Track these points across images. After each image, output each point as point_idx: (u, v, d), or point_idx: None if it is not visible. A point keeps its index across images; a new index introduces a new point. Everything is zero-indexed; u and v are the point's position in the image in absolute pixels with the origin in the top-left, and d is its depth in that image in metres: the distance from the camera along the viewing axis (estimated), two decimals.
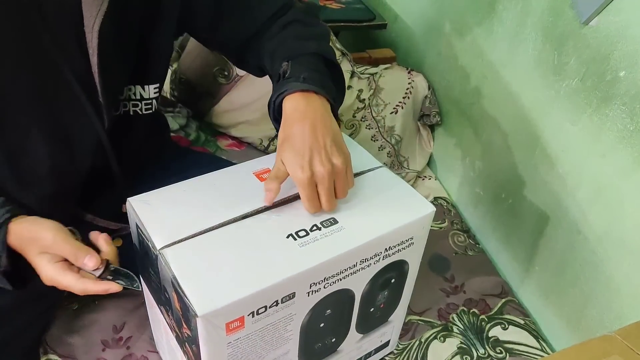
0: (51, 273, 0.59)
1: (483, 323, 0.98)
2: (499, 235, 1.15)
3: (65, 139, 0.70)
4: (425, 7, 1.36)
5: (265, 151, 1.28)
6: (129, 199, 0.65)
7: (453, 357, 0.91)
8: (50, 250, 0.60)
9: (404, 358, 0.90)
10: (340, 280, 0.65)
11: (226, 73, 1.24)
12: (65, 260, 0.61)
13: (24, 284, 0.66)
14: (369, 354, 0.85)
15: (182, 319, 0.58)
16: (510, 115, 1.07)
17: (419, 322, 0.96)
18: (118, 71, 0.70)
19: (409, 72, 1.33)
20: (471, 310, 1.00)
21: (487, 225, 1.18)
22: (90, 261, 0.59)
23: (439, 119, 1.33)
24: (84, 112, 0.68)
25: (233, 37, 0.80)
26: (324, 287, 0.63)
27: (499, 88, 1.10)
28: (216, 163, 1.07)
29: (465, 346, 0.93)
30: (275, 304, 0.59)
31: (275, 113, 0.70)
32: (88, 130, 0.71)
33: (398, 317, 0.83)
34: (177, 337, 0.66)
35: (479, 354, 0.92)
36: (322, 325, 0.69)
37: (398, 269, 0.73)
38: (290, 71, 0.69)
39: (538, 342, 0.95)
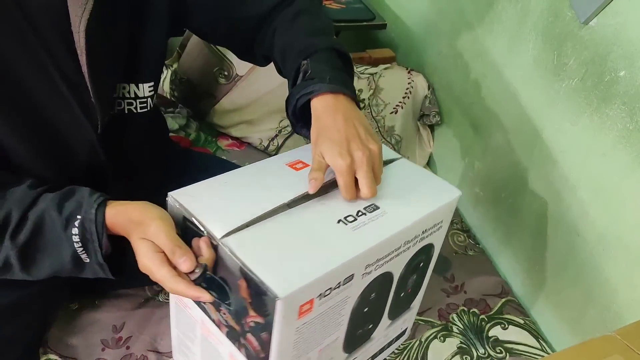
0: (148, 262, 0.59)
1: (483, 323, 0.98)
2: (499, 235, 1.15)
3: (58, 142, 0.70)
4: (425, 7, 1.37)
5: (265, 151, 1.28)
6: (170, 193, 0.64)
7: (453, 357, 0.91)
8: (152, 239, 0.59)
9: (404, 358, 0.90)
10: (387, 262, 0.68)
11: (226, 73, 1.24)
12: None
13: (121, 272, 0.67)
14: (391, 342, 0.87)
15: (251, 306, 0.58)
16: (510, 115, 1.07)
17: (419, 321, 0.96)
18: (109, 70, 0.70)
19: (408, 72, 1.33)
20: (471, 310, 1.00)
21: (487, 225, 1.18)
22: (185, 263, 0.57)
23: (438, 119, 1.33)
24: (75, 113, 0.68)
25: (237, 28, 0.80)
26: (374, 269, 0.66)
27: (498, 88, 1.10)
28: (217, 164, 1.08)
29: (465, 346, 0.93)
30: (338, 285, 0.61)
31: (296, 110, 0.71)
32: (81, 132, 0.70)
33: (417, 303, 0.87)
34: (231, 332, 0.65)
35: (479, 354, 0.92)
36: (366, 310, 0.71)
37: (427, 252, 0.77)
38: (312, 70, 0.71)
39: (538, 341, 0.95)
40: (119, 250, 0.66)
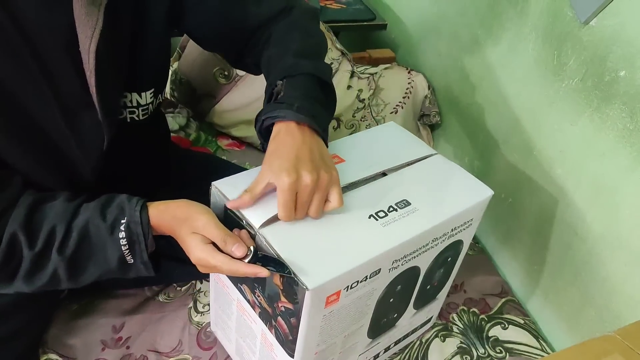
0: (202, 253, 0.62)
1: (483, 322, 0.98)
2: (498, 234, 1.15)
3: (66, 160, 0.70)
4: (425, 7, 1.37)
5: (265, 151, 1.28)
6: (214, 183, 0.68)
7: (453, 356, 0.91)
8: (201, 232, 0.62)
9: (404, 357, 0.90)
10: (415, 257, 0.70)
11: (226, 73, 1.24)
12: (213, 243, 0.63)
13: (159, 268, 0.70)
14: (416, 329, 0.90)
15: (282, 293, 0.62)
16: (510, 115, 1.07)
17: None
18: (114, 85, 0.70)
19: (408, 72, 1.33)
20: (471, 310, 1.00)
21: (486, 224, 1.18)
22: (238, 249, 0.61)
23: (438, 119, 1.33)
24: (82, 132, 0.68)
25: (232, 36, 0.80)
26: (402, 265, 0.69)
27: (498, 88, 1.10)
28: (217, 164, 1.08)
29: (465, 346, 0.93)
30: (364, 279, 0.64)
31: (262, 129, 0.70)
32: (88, 148, 0.70)
33: (443, 294, 0.89)
34: (263, 314, 0.69)
35: (479, 354, 0.92)
36: (391, 300, 0.74)
37: (455, 248, 0.79)
38: (284, 93, 0.69)
39: (538, 341, 0.95)
40: (155, 251, 0.69)
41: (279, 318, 0.65)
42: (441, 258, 0.77)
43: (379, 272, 0.65)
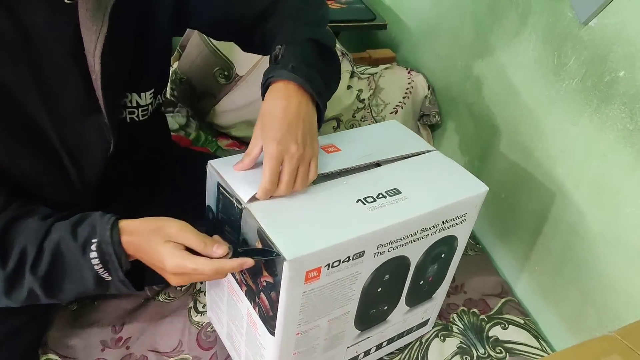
0: (180, 259, 0.62)
1: (483, 323, 0.98)
2: (498, 234, 1.15)
3: (71, 164, 0.70)
4: (425, 7, 1.37)
5: None
6: (210, 161, 0.70)
7: (453, 356, 0.91)
8: (176, 240, 0.62)
9: (404, 357, 0.90)
10: (402, 246, 0.70)
11: (226, 73, 1.24)
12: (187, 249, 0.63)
13: (142, 287, 0.71)
14: (410, 330, 0.89)
15: (264, 267, 0.64)
16: (510, 115, 1.07)
17: None
18: (119, 88, 0.70)
19: (408, 72, 1.33)
20: (471, 310, 1.00)
21: (486, 224, 1.18)
22: (219, 249, 0.62)
23: (438, 119, 1.33)
24: (87, 135, 0.68)
25: (236, 25, 0.80)
26: (388, 251, 0.69)
27: (499, 88, 1.10)
28: None
29: (465, 346, 0.93)
30: (347, 259, 0.65)
31: (264, 94, 0.72)
32: (93, 152, 0.71)
33: (440, 294, 0.88)
34: (249, 291, 0.70)
35: (479, 354, 0.92)
36: (379, 290, 0.74)
37: (449, 244, 0.79)
38: (281, 56, 0.71)
39: (538, 341, 0.95)
40: (137, 266, 0.68)
41: (262, 294, 0.66)
42: (433, 252, 0.77)
43: (363, 254, 0.66)
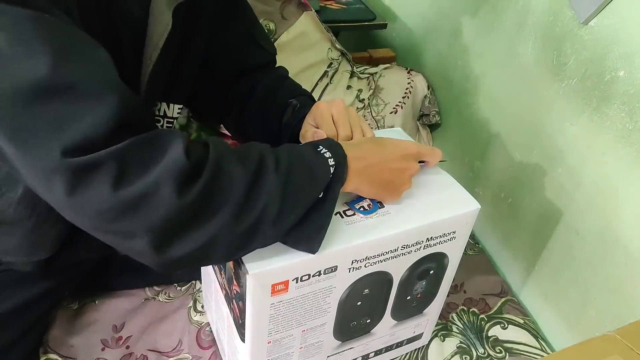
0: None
1: (483, 322, 0.98)
2: (498, 234, 1.15)
3: None
4: (425, 7, 1.37)
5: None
6: None
7: (453, 356, 0.91)
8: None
9: (404, 357, 0.90)
10: (381, 262, 0.68)
11: None
12: None
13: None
14: (401, 343, 0.87)
15: (234, 276, 0.63)
16: (510, 115, 1.07)
17: None
18: (159, 86, 0.71)
19: (408, 72, 1.33)
20: (471, 310, 1.00)
21: (486, 224, 1.18)
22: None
23: (438, 119, 1.33)
24: None
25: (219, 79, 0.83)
26: (365, 266, 0.67)
27: (498, 88, 1.10)
28: None
29: (464, 345, 0.93)
30: (318, 273, 0.63)
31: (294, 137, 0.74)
32: None
33: (433, 310, 0.85)
34: (226, 295, 0.70)
35: (479, 354, 0.92)
36: (359, 303, 0.72)
37: (438, 261, 0.75)
38: (300, 104, 0.76)
39: (537, 341, 0.95)
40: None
41: (233, 301, 0.66)
42: (420, 269, 0.74)
43: (336, 269, 0.64)
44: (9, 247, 0.70)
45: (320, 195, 0.57)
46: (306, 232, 0.58)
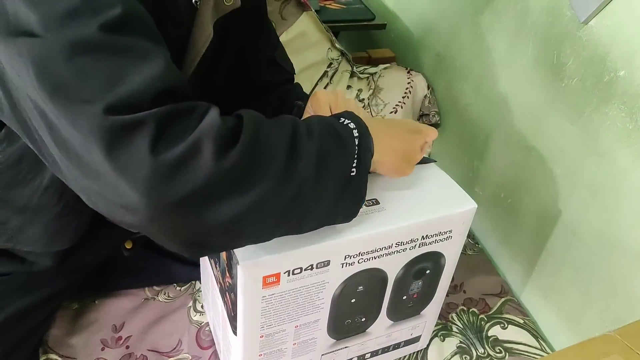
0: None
1: (482, 322, 0.98)
2: (498, 234, 1.15)
3: None
4: (425, 7, 1.37)
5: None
6: None
7: (452, 356, 0.91)
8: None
9: (404, 357, 0.90)
10: (375, 258, 0.68)
11: None
12: None
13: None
14: (398, 345, 0.86)
15: (227, 268, 0.63)
16: (510, 115, 1.07)
17: None
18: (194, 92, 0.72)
19: (408, 72, 1.33)
20: (470, 310, 1.00)
21: (486, 224, 1.18)
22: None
23: (438, 119, 1.33)
24: None
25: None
26: (358, 262, 0.67)
27: (498, 88, 1.10)
28: None
29: (464, 345, 0.93)
30: (310, 267, 0.63)
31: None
32: None
33: (431, 312, 0.85)
34: (221, 288, 0.70)
35: (479, 354, 0.92)
36: (353, 300, 0.72)
37: (434, 260, 0.75)
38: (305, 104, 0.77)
39: (537, 341, 0.95)
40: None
41: (227, 293, 0.67)
42: (415, 268, 0.73)
43: (329, 264, 0.64)
44: (29, 235, 0.70)
45: (354, 172, 0.57)
46: (344, 205, 0.58)
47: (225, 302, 0.69)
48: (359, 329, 0.77)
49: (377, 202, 0.68)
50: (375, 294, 0.74)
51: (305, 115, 0.73)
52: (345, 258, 0.65)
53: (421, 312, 0.83)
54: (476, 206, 0.72)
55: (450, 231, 0.72)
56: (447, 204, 0.71)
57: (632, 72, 0.78)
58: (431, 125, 1.37)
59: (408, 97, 1.31)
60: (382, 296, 0.75)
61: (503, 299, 1.03)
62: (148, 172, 0.44)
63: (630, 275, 0.82)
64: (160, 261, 0.94)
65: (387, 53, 1.47)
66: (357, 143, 0.58)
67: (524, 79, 1.01)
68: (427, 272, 0.76)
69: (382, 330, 0.80)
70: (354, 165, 0.57)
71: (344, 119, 0.60)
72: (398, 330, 0.83)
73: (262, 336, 0.68)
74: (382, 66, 1.35)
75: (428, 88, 1.32)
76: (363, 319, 0.76)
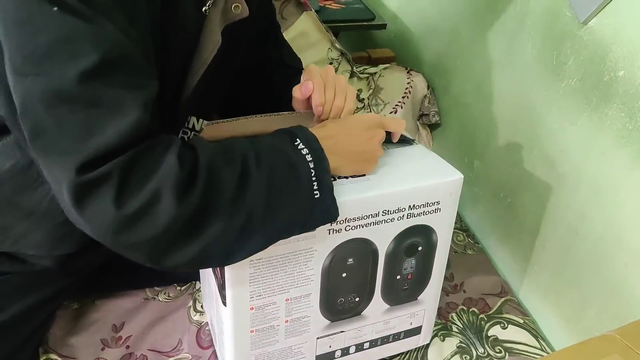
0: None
1: (482, 322, 0.98)
2: (498, 234, 1.15)
3: None
4: (425, 7, 1.37)
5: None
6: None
7: (452, 356, 0.91)
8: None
9: (404, 357, 0.90)
10: (362, 227, 0.68)
11: None
12: None
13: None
14: (398, 336, 0.85)
15: None
16: (509, 114, 1.07)
17: None
18: (196, 102, 0.72)
19: (408, 72, 1.33)
20: (470, 310, 1.00)
21: (486, 224, 1.18)
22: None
23: (438, 119, 1.33)
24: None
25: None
26: (345, 230, 0.67)
27: (498, 88, 1.10)
28: None
29: (464, 345, 0.93)
30: None
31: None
32: None
33: (429, 298, 0.84)
34: (214, 271, 0.70)
35: (479, 353, 0.92)
36: (344, 275, 0.72)
37: (424, 235, 0.75)
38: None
39: (537, 341, 0.95)
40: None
41: (217, 268, 0.67)
42: (406, 242, 0.74)
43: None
44: (34, 240, 0.70)
45: (317, 195, 0.59)
46: (314, 224, 0.62)
47: (215, 276, 0.69)
48: (354, 310, 0.77)
49: (363, 174, 0.69)
50: (366, 269, 0.74)
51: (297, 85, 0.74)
52: (331, 224, 0.66)
53: (418, 298, 0.83)
54: (462, 177, 0.73)
55: (438, 202, 0.73)
56: (434, 174, 0.73)
57: (632, 72, 0.78)
58: (431, 125, 1.37)
59: (408, 97, 1.31)
60: (374, 273, 0.75)
61: (503, 299, 1.03)
62: (112, 223, 0.49)
63: (630, 275, 0.82)
64: None
65: (387, 53, 1.47)
66: (312, 167, 0.60)
67: (524, 79, 1.02)
68: (419, 248, 0.76)
69: (379, 314, 0.80)
70: (315, 188, 0.60)
71: (299, 142, 0.61)
72: (396, 317, 0.82)
73: (252, 308, 0.67)
74: (382, 66, 1.35)
75: (428, 88, 1.32)
76: (357, 299, 0.76)
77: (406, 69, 1.34)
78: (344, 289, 0.74)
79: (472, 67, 1.18)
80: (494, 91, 1.11)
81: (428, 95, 1.32)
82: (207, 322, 0.90)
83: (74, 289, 0.88)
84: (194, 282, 0.97)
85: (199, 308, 0.92)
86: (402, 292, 0.80)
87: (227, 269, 0.62)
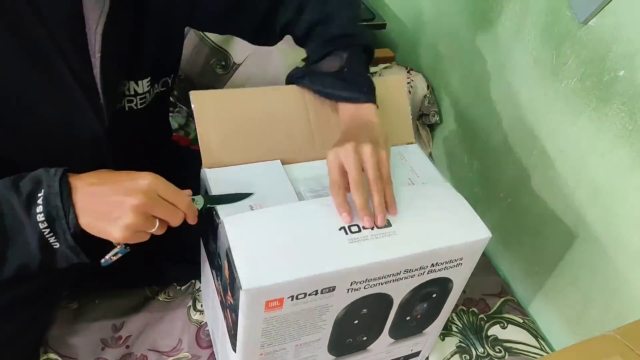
0: (156, 178, 0.60)
1: (482, 322, 0.98)
2: (497, 234, 1.15)
3: (65, 144, 0.69)
4: (425, 7, 1.37)
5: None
6: (204, 168, 0.70)
7: (452, 356, 0.91)
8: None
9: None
10: (382, 284, 0.65)
11: (223, 63, 1.24)
12: None
13: (98, 257, 0.62)
14: None
15: (229, 287, 0.62)
16: (509, 115, 1.07)
17: None
18: (117, 71, 0.70)
19: (408, 72, 1.33)
20: (470, 310, 1.00)
21: (486, 224, 1.18)
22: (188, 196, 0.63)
23: (438, 119, 1.33)
24: (83, 114, 0.68)
25: (250, 19, 0.82)
26: (364, 288, 0.64)
27: (497, 88, 1.10)
28: None
29: (464, 345, 0.93)
30: (314, 292, 0.61)
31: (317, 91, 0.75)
32: (86, 130, 0.70)
33: (433, 330, 0.82)
34: (221, 302, 0.69)
35: (478, 353, 0.92)
36: (356, 322, 0.70)
37: (441, 285, 0.72)
38: (347, 69, 0.75)
39: (537, 341, 0.95)
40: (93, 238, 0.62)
41: (227, 310, 0.66)
42: (422, 292, 0.71)
43: (334, 289, 0.62)
44: None
45: (57, 246, 0.59)
46: (62, 263, 0.61)
47: (225, 318, 0.68)
48: (360, 347, 0.76)
49: (389, 224, 0.65)
50: (379, 316, 0.72)
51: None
52: (351, 284, 0.63)
53: (424, 331, 0.81)
54: (490, 235, 0.68)
55: (461, 259, 0.69)
56: (462, 231, 0.68)
57: (632, 72, 0.78)
58: (430, 125, 1.37)
59: (408, 97, 1.31)
60: (385, 318, 0.72)
61: (503, 299, 1.03)
62: None
63: (630, 275, 0.82)
64: (160, 261, 0.94)
65: (387, 53, 1.46)
66: (40, 212, 0.57)
67: (523, 79, 1.02)
68: (434, 295, 0.74)
69: (383, 347, 0.78)
70: (53, 241, 0.58)
71: (40, 196, 0.57)
72: (399, 347, 0.81)
73: (261, 354, 0.66)
74: (382, 66, 1.35)
75: (428, 88, 1.32)
76: (365, 338, 0.74)
77: (406, 68, 1.34)
78: (354, 332, 0.72)
79: (472, 67, 1.18)
80: (493, 91, 1.11)
81: (428, 95, 1.32)
82: (206, 322, 0.90)
83: (74, 289, 0.88)
84: (193, 281, 0.97)
85: (198, 307, 0.92)
86: (409, 329, 0.78)
87: (240, 324, 0.60)
